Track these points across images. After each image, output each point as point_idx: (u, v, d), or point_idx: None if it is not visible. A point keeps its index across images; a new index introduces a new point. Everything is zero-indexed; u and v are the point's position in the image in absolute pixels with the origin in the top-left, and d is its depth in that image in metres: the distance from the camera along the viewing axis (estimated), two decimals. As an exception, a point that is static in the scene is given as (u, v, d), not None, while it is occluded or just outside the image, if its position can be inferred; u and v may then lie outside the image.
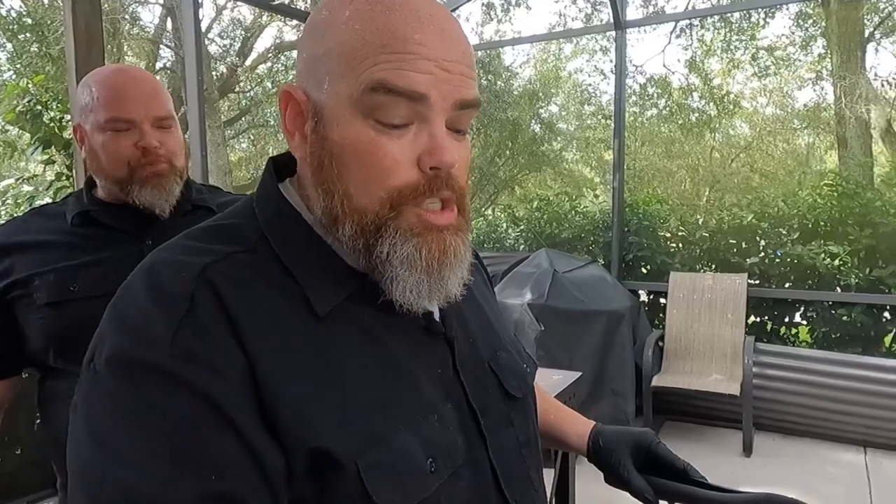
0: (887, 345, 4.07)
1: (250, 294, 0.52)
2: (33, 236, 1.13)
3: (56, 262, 1.09)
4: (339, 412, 0.51)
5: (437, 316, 0.63)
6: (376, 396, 0.54)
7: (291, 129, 0.57)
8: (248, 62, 11.94)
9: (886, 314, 3.99)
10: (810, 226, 4.18)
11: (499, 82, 11.04)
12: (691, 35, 11.16)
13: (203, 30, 10.91)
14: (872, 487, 3.13)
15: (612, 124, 4.65)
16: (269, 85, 11.91)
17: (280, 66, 12.51)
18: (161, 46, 11.05)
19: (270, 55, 12.45)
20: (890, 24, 8.97)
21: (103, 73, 1.13)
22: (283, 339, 0.52)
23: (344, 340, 0.55)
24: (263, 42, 14.87)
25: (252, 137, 12.88)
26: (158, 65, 11.26)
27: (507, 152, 11.35)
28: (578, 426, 0.87)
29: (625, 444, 0.83)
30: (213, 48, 11.70)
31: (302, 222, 0.58)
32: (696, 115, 12.56)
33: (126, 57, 10.58)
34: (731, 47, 11.19)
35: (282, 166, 0.63)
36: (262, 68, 12.20)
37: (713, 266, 4.45)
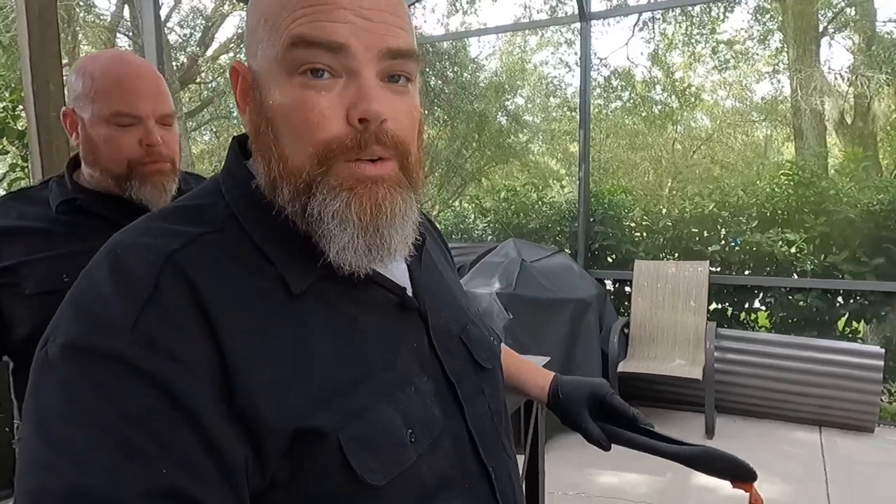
0: (840, 328, 4.23)
1: (221, 278, 0.51)
2: (16, 222, 1.09)
3: (44, 250, 1.07)
4: (318, 390, 0.51)
5: (409, 292, 0.63)
6: (354, 372, 0.54)
7: (242, 105, 0.57)
8: (210, 52, 11.69)
9: (840, 299, 4.14)
10: (768, 214, 4.30)
11: (465, 74, 11.04)
12: (654, 28, 11.34)
13: (162, 18, 10.64)
14: (827, 464, 3.26)
15: (578, 116, 4.71)
16: (231, 76, 11.68)
17: (242, 56, 12.29)
18: (118, 35, 10.73)
19: (233, 45, 12.20)
20: (843, 18, 9.26)
21: (105, 61, 1.09)
22: (257, 322, 0.51)
23: (319, 319, 0.54)
24: (225, 32, 14.59)
25: (215, 129, 12.64)
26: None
27: (474, 144, 11.38)
28: (538, 377, 0.94)
29: (582, 395, 0.90)
30: (172, 37, 11.42)
31: (270, 207, 0.57)
32: (659, 107, 12.78)
33: (81, 46, 10.24)
34: (692, 41, 11.40)
35: (245, 146, 0.61)
36: (224, 58, 11.95)
37: (676, 254, 4.55)
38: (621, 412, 0.90)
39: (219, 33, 12.03)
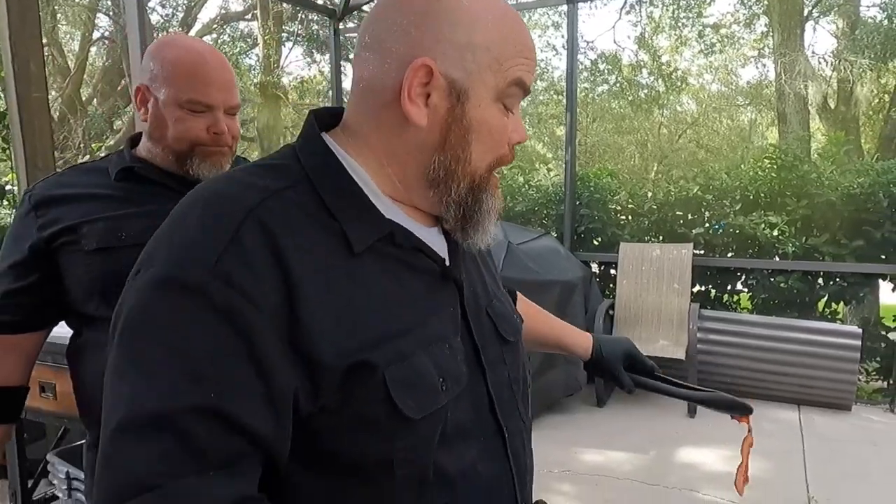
0: (820, 309, 4.31)
1: (295, 229, 0.58)
2: (77, 189, 1.19)
3: (103, 211, 1.16)
4: (370, 335, 0.59)
5: (447, 261, 0.71)
6: (399, 324, 0.62)
7: (413, 97, 0.62)
8: (193, 33, 11.51)
9: (820, 280, 4.22)
10: (751, 197, 4.36)
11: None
12: (640, 12, 11.33)
13: (143, -2, 10.44)
14: (805, 442, 3.35)
15: (565, 99, 4.71)
16: (215, 57, 11.50)
17: (226, 37, 12.12)
18: (98, 14, 10.53)
19: (216, 26, 12.03)
20: (827, 3, 9.30)
21: (184, 49, 1.18)
22: (324, 273, 0.58)
23: (374, 276, 0.62)
24: (208, 12, 14.36)
25: (199, 112, 12.47)
26: (96, 34, 10.75)
27: (461, 127, 11.32)
28: (580, 338, 1.12)
29: (619, 353, 1.10)
30: (154, 18, 11.22)
31: (344, 171, 0.65)
32: (645, 91, 12.80)
33: (60, 26, 10.05)
34: (679, 24, 11.41)
35: (322, 120, 0.70)
36: (207, 39, 11.78)
37: (661, 237, 4.60)
38: (644, 365, 1.11)
39: (202, 13, 11.85)
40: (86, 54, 10.45)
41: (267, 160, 0.67)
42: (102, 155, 1.35)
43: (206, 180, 0.64)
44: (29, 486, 2.38)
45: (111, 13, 10.09)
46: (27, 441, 2.41)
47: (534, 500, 0.82)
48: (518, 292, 1.05)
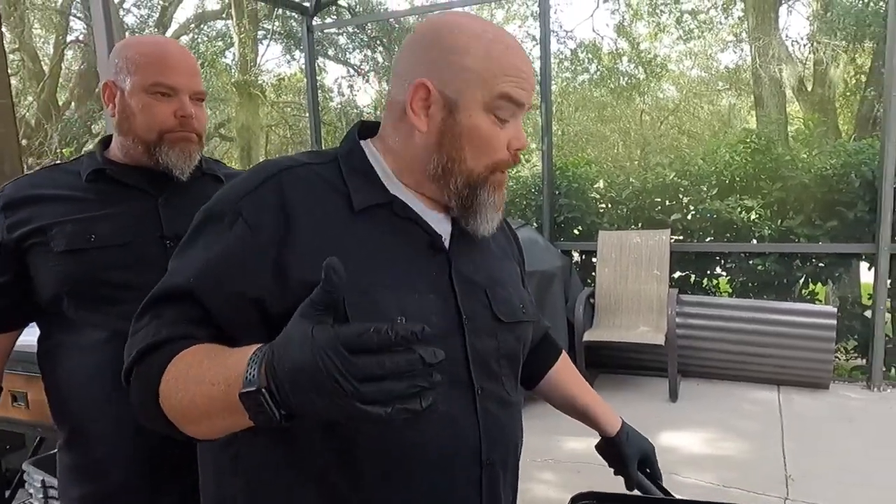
0: (798, 291, 4.36)
1: (309, 189, 0.78)
2: (48, 190, 1.20)
3: (73, 213, 1.17)
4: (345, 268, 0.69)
5: (445, 239, 0.84)
6: (373, 268, 0.76)
7: (416, 109, 0.79)
8: (169, 33, 11.38)
9: (797, 262, 4.27)
10: (727, 182, 4.39)
11: (431, 50, 10.93)
12: (618, -1, 11.33)
13: (117, 0, 10.30)
14: (784, 421, 3.40)
15: (539, 88, 4.72)
16: (192, 57, 11.38)
17: (203, 36, 12.00)
18: (72, 18, 10.39)
19: (192, 26, 11.91)
20: (801, -14, 9.36)
21: (148, 41, 1.25)
22: (322, 220, 0.76)
23: (366, 232, 0.78)
24: (184, 12, 14.20)
25: (178, 113, 12.34)
26: (70, 37, 10.61)
27: (443, 121, 11.30)
28: (611, 416, 1.13)
29: (642, 447, 1.11)
30: (129, 19, 11.11)
31: (364, 157, 0.83)
32: (626, 79, 12.82)
33: (33, 29, 9.91)
34: (657, 11, 11.43)
35: (368, 128, 0.88)
36: (184, 39, 11.66)
37: (639, 224, 4.62)
38: (655, 472, 1.12)
39: (178, 13, 11.72)
40: (59, 58, 10.31)
41: (318, 151, 0.88)
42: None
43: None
44: (6, 495, 2.36)
45: (82, 15, 9.95)
46: (7, 451, 2.40)
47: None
48: (564, 352, 1.16)
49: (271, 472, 0.77)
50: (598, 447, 1.13)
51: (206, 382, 0.64)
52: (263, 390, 0.57)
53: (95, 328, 1.15)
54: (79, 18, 10.35)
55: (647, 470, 1.10)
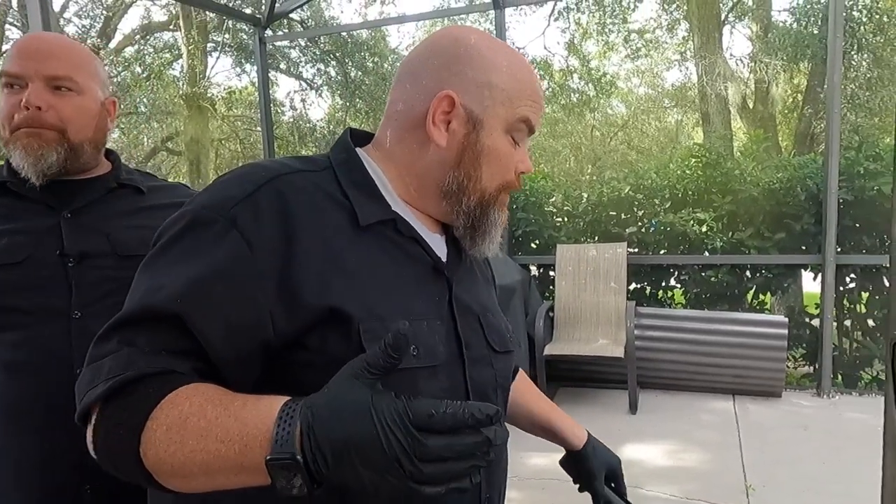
0: (749, 301, 4.47)
1: (308, 199, 0.70)
2: None
3: None
4: (356, 291, 0.68)
5: (444, 260, 0.80)
6: (384, 292, 0.70)
7: (437, 122, 0.75)
8: (113, 44, 11.02)
9: (747, 273, 4.38)
10: (680, 195, 4.48)
11: (385, 65, 10.92)
12: (568, 18, 11.58)
13: (56, 9, 9.92)
14: (741, 430, 3.45)
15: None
16: (138, 69, 11.05)
17: (149, 48, 11.66)
18: (7, 25, 9.94)
19: (138, 37, 11.56)
20: (742, 7, 9.76)
21: (27, 35, 1.14)
22: (325, 237, 0.69)
23: (372, 251, 0.72)
24: (129, 23, 13.81)
25: (122, 126, 11.94)
26: (6, 47, 10.13)
27: (398, 135, 11.27)
28: (576, 428, 1.06)
29: (605, 460, 1.05)
30: (70, 29, 10.69)
31: (363, 168, 0.77)
32: (577, 95, 13.08)
33: (-35, 38, 9.43)
34: (606, 30, 11.71)
35: (358, 137, 0.83)
36: (128, 51, 11.30)
37: (596, 237, 4.67)
38: (621, 488, 1.06)
39: (122, 24, 11.37)
40: (-6, 68, 9.84)
41: (306, 157, 0.80)
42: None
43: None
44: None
45: (19, 23, 9.54)
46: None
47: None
48: (521, 370, 1.10)
49: None
50: (562, 462, 1.07)
51: (212, 438, 0.55)
52: (299, 458, 0.50)
53: None
54: (15, 27, 9.91)
55: (612, 484, 1.05)
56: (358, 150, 0.80)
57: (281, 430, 0.51)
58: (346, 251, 0.70)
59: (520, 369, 1.09)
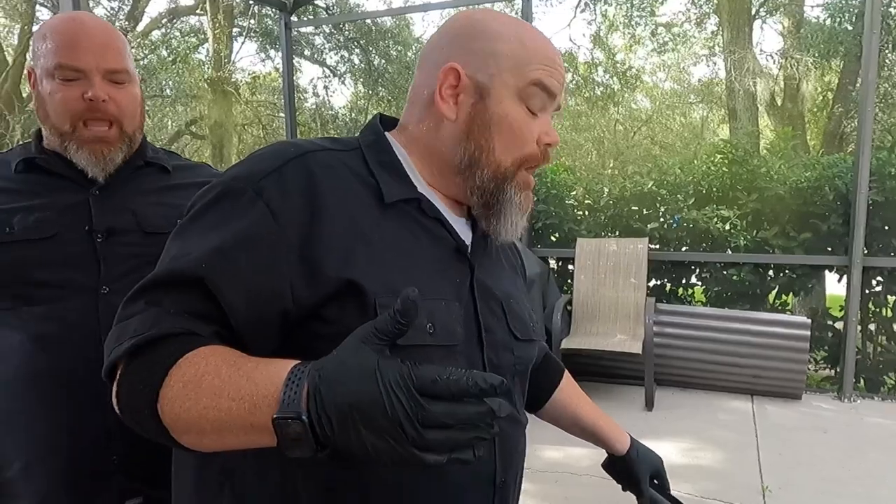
0: (771, 301, 4.41)
1: (335, 176, 0.72)
2: None
3: None
4: (376, 266, 0.69)
5: (468, 244, 0.79)
6: (403, 269, 0.71)
7: (445, 96, 0.76)
8: (140, 27, 11.12)
9: (770, 272, 4.31)
10: (704, 192, 4.42)
11: (408, 53, 10.89)
12: (595, 9, 11.44)
13: (86, -10, 10.01)
14: (758, 430, 3.41)
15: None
16: (164, 53, 11.14)
17: (176, 31, 11.75)
18: (38, 6, 10.07)
19: (165, 20, 11.65)
20: (773, 2, 9.56)
21: (57, 20, 1.10)
22: (349, 212, 0.70)
23: (395, 229, 0.73)
24: (156, 6, 13.91)
25: (148, 109, 12.08)
26: (35, 27, 10.27)
27: (419, 125, 11.26)
28: (620, 432, 1.08)
29: (650, 463, 1.06)
30: (99, 11, 10.79)
31: (390, 150, 0.78)
32: (601, 89, 12.94)
33: (-3, 18, 9.57)
34: (633, 23, 11.55)
35: (386, 122, 0.84)
36: (155, 34, 11.40)
37: (617, 232, 4.63)
38: (665, 486, 1.08)
39: (149, 7, 11.45)
40: (24, 48, 9.99)
41: (336, 137, 0.82)
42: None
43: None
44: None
45: (49, 3, 9.66)
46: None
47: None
48: (567, 372, 1.11)
49: (267, 498, 0.71)
50: (605, 465, 1.08)
51: (224, 396, 0.56)
52: (304, 419, 0.51)
53: (13, 330, 1.04)
54: (46, 7, 10.04)
55: (655, 481, 1.07)
56: (386, 133, 0.81)
57: (289, 390, 0.52)
58: (369, 227, 0.71)
59: (566, 372, 1.10)
